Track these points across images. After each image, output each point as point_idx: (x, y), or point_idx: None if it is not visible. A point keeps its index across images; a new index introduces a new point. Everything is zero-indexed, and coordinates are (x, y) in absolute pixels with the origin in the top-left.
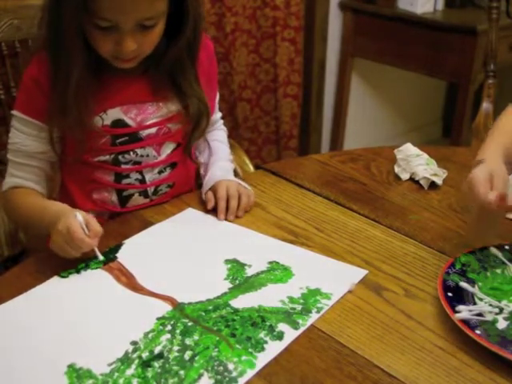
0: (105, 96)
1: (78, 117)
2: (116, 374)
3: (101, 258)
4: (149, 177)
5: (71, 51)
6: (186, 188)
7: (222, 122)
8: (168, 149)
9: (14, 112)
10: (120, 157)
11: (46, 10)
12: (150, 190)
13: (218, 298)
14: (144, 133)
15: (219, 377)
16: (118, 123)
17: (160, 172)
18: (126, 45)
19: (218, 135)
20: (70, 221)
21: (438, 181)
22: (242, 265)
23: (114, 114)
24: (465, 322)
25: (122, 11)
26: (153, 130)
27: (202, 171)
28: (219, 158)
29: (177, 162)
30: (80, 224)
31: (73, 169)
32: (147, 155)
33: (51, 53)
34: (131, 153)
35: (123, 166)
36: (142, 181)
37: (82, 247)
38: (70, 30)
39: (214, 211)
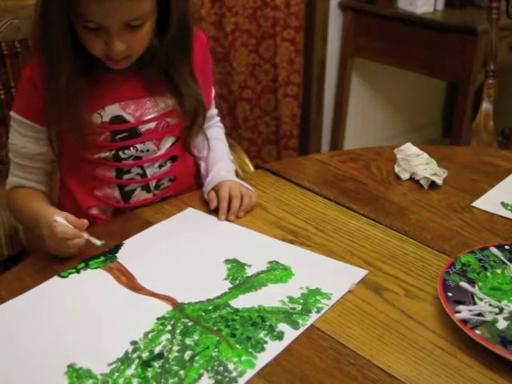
0: (102, 93)
1: (73, 115)
2: (116, 374)
3: (98, 242)
4: (150, 171)
5: (59, 52)
6: (188, 182)
7: (218, 119)
8: (167, 143)
9: (12, 113)
10: (120, 153)
11: (36, 11)
12: (152, 184)
13: (218, 297)
14: (143, 128)
15: (219, 377)
16: (117, 119)
17: (160, 166)
18: (115, 45)
19: (215, 132)
20: (50, 224)
21: (438, 180)
22: (242, 265)
23: (112, 110)
24: (465, 321)
25: (105, 14)
26: (152, 125)
27: (202, 169)
28: (220, 157)
29: (177, 156)
30: (61, 223)
31: (73, 167)
32: (147, 150)
33: (42, 53)
34: (131, 148)
35: (124, 162)
36: (144, 175)
37: (70, 239)
38: (57, 31)
39: (214, 211)
